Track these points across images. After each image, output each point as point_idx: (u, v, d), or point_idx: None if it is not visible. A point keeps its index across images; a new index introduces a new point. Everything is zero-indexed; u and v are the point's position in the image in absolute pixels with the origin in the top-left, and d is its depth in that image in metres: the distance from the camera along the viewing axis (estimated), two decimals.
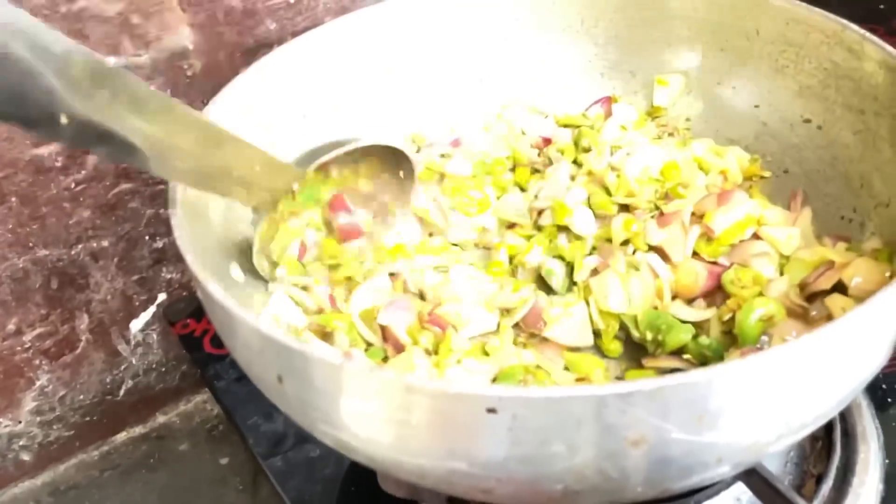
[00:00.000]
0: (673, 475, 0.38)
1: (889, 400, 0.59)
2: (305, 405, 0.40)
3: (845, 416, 0.57)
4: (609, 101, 0.68)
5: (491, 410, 0.35)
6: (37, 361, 0.70)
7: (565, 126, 0.68)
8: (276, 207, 0.53)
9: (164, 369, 0.77)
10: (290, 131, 0.60)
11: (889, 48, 0.52)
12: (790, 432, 0.40)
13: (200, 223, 0.49)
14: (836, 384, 0.39)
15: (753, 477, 0.48)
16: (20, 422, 0.71)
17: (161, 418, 0.78)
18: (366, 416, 0.38)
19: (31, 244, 0.66)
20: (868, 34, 0.54)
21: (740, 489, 0.52)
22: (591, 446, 0.36)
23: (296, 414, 0.43)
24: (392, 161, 0.59)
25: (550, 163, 0.65)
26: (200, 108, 0.53)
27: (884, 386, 0.60)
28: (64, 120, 0.34)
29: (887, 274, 0.49)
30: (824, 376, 0.38)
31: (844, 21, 0.55)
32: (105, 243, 0.69)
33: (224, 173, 0.47)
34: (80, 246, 0.68)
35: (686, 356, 0.52)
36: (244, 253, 0.54)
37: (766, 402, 0.36)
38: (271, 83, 0.58)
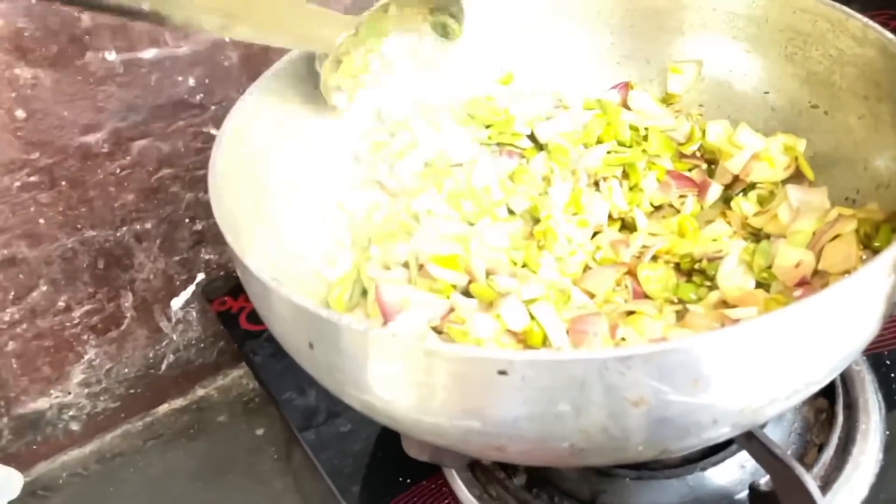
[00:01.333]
0: (671, 435, 0.42)
1: (892, 375, 0.62)
2: (334, 369, 0.44)
3: (849, 389, 0.60)
4: (626, 86, 0.71)
5: (502, 372, 0.38)
6: (85, 336, 0.75)
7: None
8: (334, 48, 0.58)
9: (202, 345, 0.81)
10: (322, 115, 0.63)
11: (889, 35, 0.54)
12: (783, 397, 0.42)
13: (237, 204, 0.53)
14: (824, 353, 0.42)
15: (754, 443, 0.51)
16: (69, 393, 0.76)
17: (200, 391, 0.82)
18: (388, 378, 0.42)
19: (79, 226, 0.70)
20: (870, 22, 0.56)
21: (745, 456, 0.55)
22: (595, 406, 0.39)
23: (325, 378, 0.46)
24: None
25: None
26: (237, 98, 0.57)
27: (888, 362, 0.62)
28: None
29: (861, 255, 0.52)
30: (813, 345, 0.40)
31: (849, 10, 0.58)
32: (148, 225, 0.73)
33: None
34: (124, 228, 0.72)
35: None
36: (277, 230, 0.58)
37: (756, 368, 0.39)
38: (304, 72, 0.62)
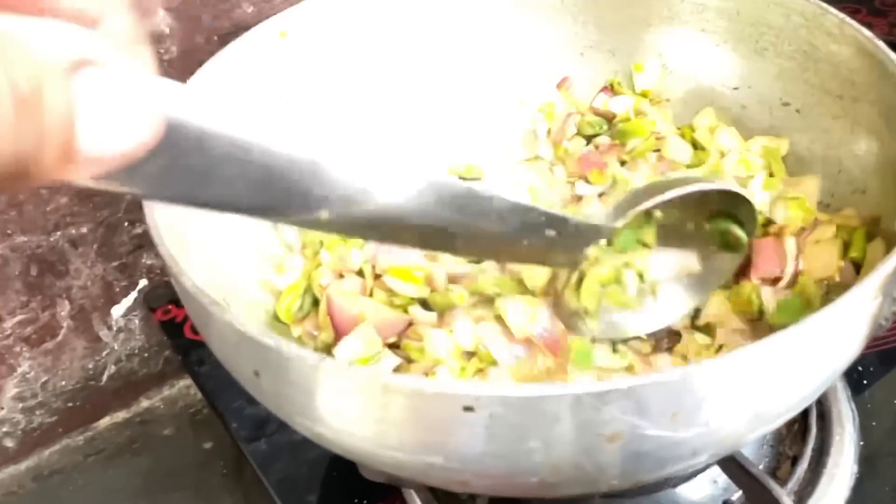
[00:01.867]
0: (648, 468, 0.39)
1: (864, 382, 0.60)
2: (282, 399, 0.41)
3: (821, 399, 0.58)
4: (611, 89, 0.67)
5: (468, 409, 0.35)
6: (17, 348, 0.70)
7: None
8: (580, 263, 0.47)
9: (146, 354, 0.77)
10: (265, 113, 0.59)
11: (867, 32, 0.52)
12: (764, 423, 0.40)
13: (174, 210, 0.49)
14: (807, 378, 0.39)
15: (728, 461, 0.49)
16: (2, 408, 0.71)
17: (145, 403, 0.78)
18: (342, 411, 0.38)
19: (9, 231, 0.65)
20: (847, 18, 0.53)
21: (717, 471, 0.53)
22: (567, 443, 0.36)
23: (272, 406, 0.43)
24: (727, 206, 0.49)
25: None
26: None
27: (859, 368, 0.61)
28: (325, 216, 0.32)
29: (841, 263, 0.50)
30: (797, 371, 0.38)
31: (824, 4, 0.55)
32: (84, 230, 0.69)
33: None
34: (58, 233, 0.68)
35: None
36: (221, 235, 0.54)
37: (738, 398, 0.37)
38: (246, 66, 0.58)
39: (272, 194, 0.30)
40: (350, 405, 0.38)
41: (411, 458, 0.39)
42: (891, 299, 0.40)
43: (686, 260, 0.51)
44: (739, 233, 0.49)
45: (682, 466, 0.41)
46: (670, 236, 0.50)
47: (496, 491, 0.46)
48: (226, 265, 0.54)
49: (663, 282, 0.51)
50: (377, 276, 0.56)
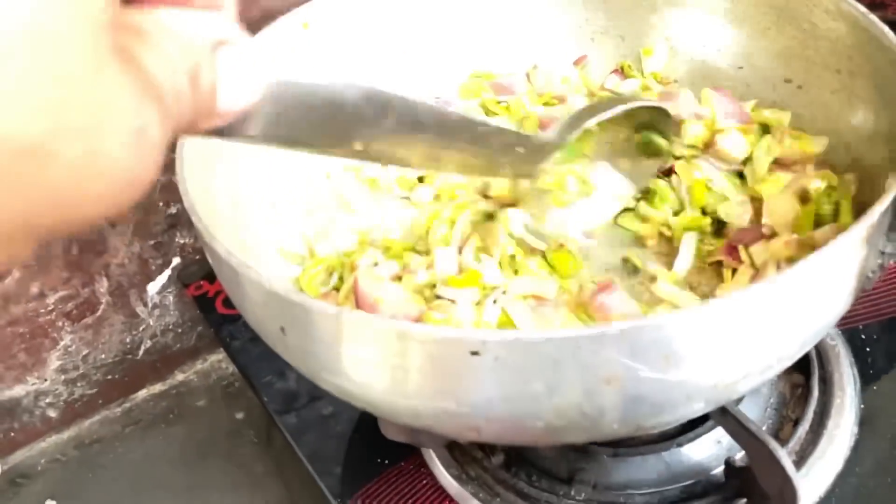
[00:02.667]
0: (645, 412, 0.41)
1: (867, 349, 0.62)
2: (307, 354, 0.44)
3: (824, 363, 0.60)
4: (622, 72, 0.70)
5: (474, 353, 0.38)
6: (60, 323, 0.74)
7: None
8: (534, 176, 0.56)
9: (180, 330, 0.81)
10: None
11: (861, 8, 0.54)
12: (755, 372, 0.43)
13: (207, 187, 0.53)
14: (796, 328, 0.42)
15: (729, 419, 0.51)
16: (46, 380, 0.75)
17: (179, 376, 0.82)
18: (362, 362, 0.41)
19: None
20: None
21: (721, 432, 0.55)
22: (568, 385, 0.39)
23: (299, 363, 0.46)
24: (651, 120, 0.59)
25: None
26: None
27: (863, 336, 0.63)
28: (358, 147, 0.40)
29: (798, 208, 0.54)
30: (784, 320, 0.40)
31: None
32: None
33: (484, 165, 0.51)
34: None
35: None
36: (250, 213, 0.58)
37: (728, 344, 0.39)
38: (269, 56, 0.61)
39: (339, 130, 0.38)
40: (369, 355, 0.41)
41: (427, 405, 0.42)
42: (877, 251, 0.43)
43: (617, 165, 0.61)
44: (661, 141, 0.60)
45: (679, 413, 0.43)
46: (604, 147, 0.60)
47: (506, 438, 0.49)
48: (252, 240, 0.58)
49: (598, 185, 0.61)
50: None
